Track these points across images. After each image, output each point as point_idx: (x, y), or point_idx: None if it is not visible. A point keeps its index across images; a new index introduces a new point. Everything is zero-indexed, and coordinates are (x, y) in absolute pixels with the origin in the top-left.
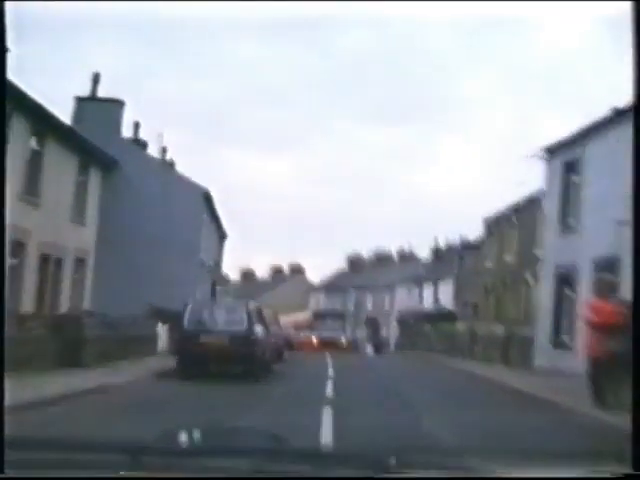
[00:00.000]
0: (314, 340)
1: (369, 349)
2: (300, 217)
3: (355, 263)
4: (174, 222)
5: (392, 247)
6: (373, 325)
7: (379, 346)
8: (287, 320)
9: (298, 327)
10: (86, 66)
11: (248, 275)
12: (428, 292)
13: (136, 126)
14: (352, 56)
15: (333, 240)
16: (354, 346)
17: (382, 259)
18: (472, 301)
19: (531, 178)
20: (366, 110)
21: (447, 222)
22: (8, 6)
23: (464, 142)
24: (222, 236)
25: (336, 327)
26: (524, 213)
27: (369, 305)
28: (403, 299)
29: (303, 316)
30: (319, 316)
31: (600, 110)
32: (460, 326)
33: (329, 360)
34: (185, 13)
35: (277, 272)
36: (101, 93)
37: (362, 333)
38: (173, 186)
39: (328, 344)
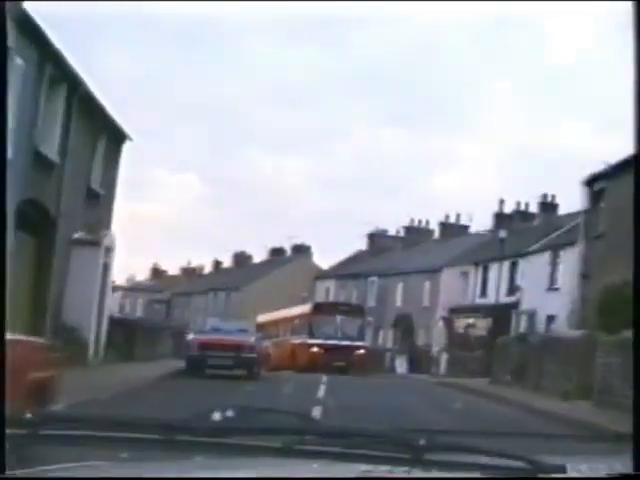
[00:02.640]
0: (311, 349)
1: (400, 365)
2: (312, 212)
3: (378, 242)
4: None
5: (431, 220)
6: (406, 327)
7: (415, 360)
8: (269, 317)
9: (290, 329)
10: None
11: (241, 259)
12: (503, 274)
13: None
14: (368, 58)
15: (349, 217)
16: (377, 360)
17: (417, 235)
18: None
19: None
20: (382, 112)
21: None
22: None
23: (481, 144)
24: (105, 128)
25: (350, 329)
26: None
27: (399, 298)
28: (454, 288)
29: (299, 311)
30: (324, 311)
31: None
32: None
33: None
34: (202, 12)
35: (276, 254)
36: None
37: (388, 339)
38: None
39: (335, 356)
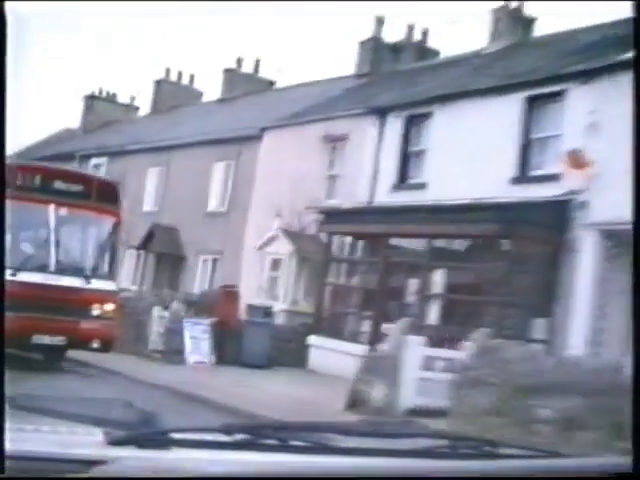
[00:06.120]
0: None
1: (196, 342)
2: None
3: (99, 111)
4: None
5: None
6: (167, 250)
7: (230, 334)
8: None
9: None
10: None
11: None
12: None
13: None
14: None
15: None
16: (135, 328)
17: (177, 95)
18: None
19: None
20: None
21: None
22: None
23: None
24: None
25: (82, 244)
26: None
27: (151, 194)
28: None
29: None
30: (16, 188)
31: None
32: None
33: None
34: None
35: None
36: None
37: (143, 277)
38: None
39: (42, 319)
